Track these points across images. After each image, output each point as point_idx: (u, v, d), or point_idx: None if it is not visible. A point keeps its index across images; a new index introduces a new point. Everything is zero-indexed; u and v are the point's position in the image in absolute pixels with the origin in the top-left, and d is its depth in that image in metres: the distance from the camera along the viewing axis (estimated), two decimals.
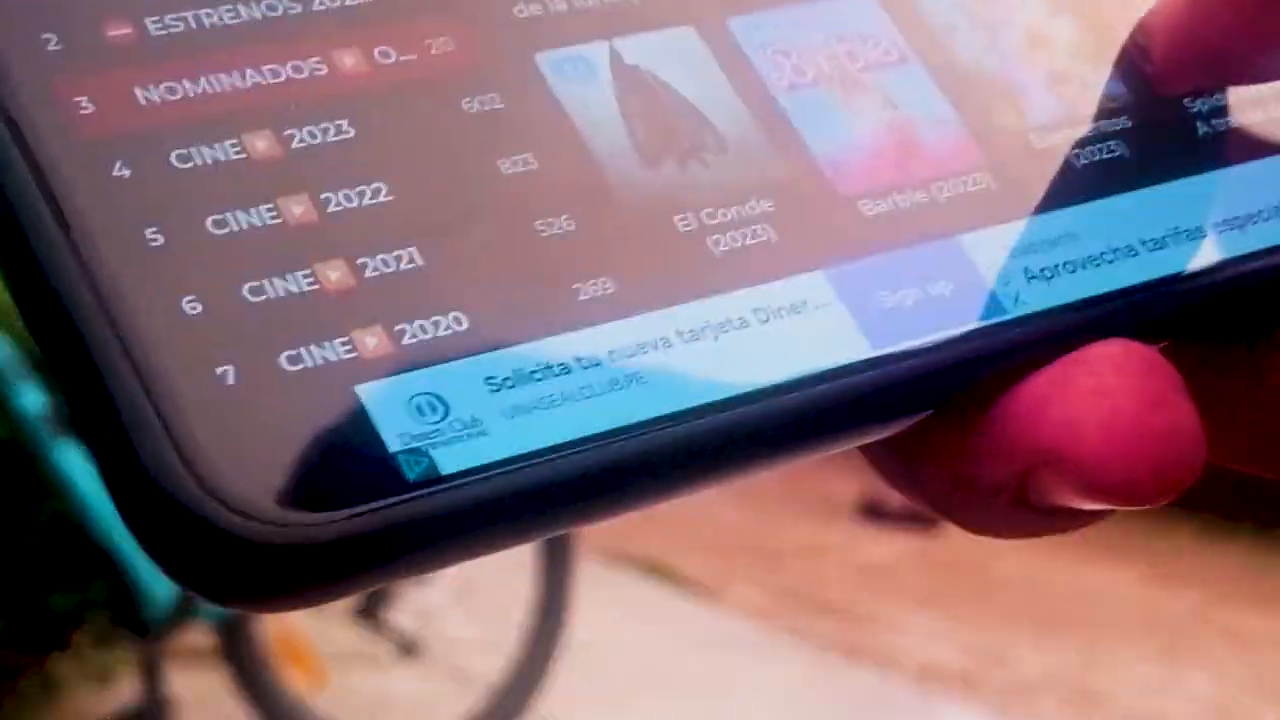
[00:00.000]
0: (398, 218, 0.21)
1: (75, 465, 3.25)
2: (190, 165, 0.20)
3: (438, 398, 0.20)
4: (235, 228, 0.20)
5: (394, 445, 0.19)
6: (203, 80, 0.21)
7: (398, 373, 0.20)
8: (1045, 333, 0.23)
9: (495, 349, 0.21)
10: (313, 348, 0.20)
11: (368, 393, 0.20)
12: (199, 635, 3.46)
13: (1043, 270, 0.24)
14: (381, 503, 0.19)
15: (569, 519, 0.21)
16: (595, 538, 4.39)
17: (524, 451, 0.20)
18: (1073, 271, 0.24)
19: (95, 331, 0.19)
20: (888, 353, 0.22)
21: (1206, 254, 0.25)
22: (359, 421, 0.20)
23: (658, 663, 4.48)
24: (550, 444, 0.20)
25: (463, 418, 0.20)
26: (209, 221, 0.20)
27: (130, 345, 0.19)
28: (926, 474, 0.23)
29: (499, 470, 0.20)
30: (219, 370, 0.19)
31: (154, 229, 0.20)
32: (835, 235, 0.23)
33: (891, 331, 0.22)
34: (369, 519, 0.19)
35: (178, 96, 0.21)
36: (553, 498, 0.20)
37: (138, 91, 0.21)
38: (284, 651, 3.59)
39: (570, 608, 3.74)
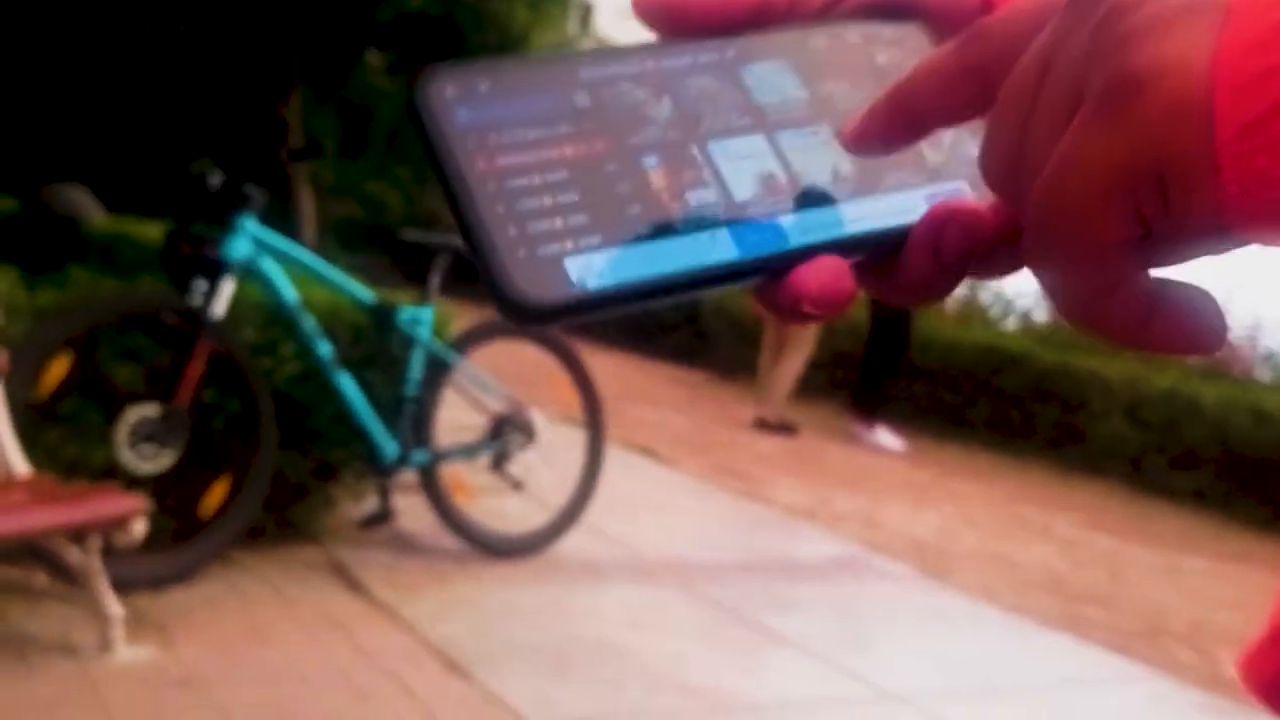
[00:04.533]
0: (585, 198, 0.35)
1: (348, 385, 3.90)
2: (531, 175, 0.35)
3: (589, 263, 0.34)
4: (548, 194, 0.34)
5: (576, 278, 0.34)
6: (540, 149, 0.35)
7: (579, 255, 0.34)
8: (804, 252, 0.37)
9: (610, 247, 0.34)
10: (557, 242, 0.34)
11: (572, 264, 0.34)
12: (409, 475, 4.17)
13: (804, 230, 0.37)
14: (573, 293, 0.34)
15: (637, 304, 0.35)
16: (614, 433, 5.01)
17: (619, 283, 0.34)
18: (814, 229, 0.38)
19: (486, 240, 0.33)
20: (751, 258, 0.36)
21: (864, 226, 0.38)
22: (567, 275, 0.34)
23: (647, 497, 5.37)
24: (625, 281, 0.34)
25: (595, 271, 0.34)
26: (525, 201, 0.34)
27: (497, 243, 0.33)
28: (763, 297, 0.37)
29: (608, 289, 0.34)
30: (523, 251, 0.33)
31: (501, 208, 0.34)
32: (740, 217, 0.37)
33: (753, 250, 0.36)
34: (571, 298, 0.33)
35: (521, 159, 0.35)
36: (628, 296, 0.34)
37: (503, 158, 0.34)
38: (454, 484, 4.25)
39: (601, 469, 4.46)
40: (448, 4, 10.57)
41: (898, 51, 0.43)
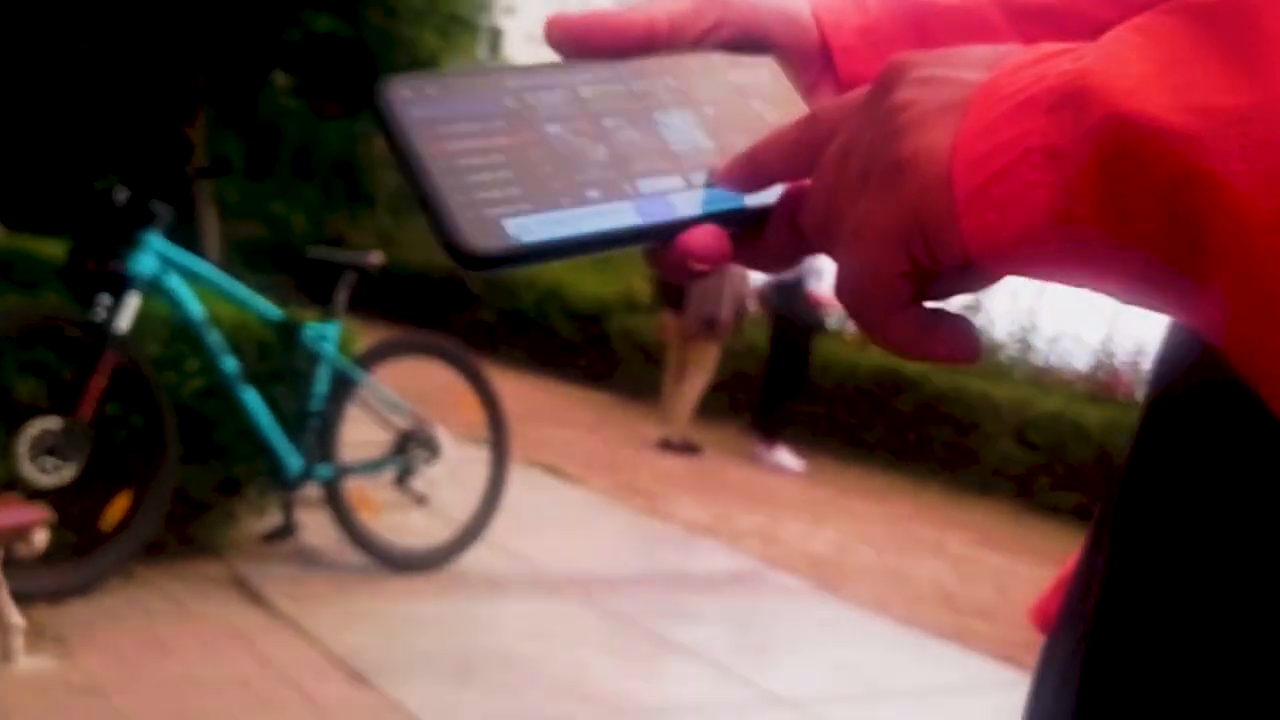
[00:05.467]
0: (517, 175, 0.43)
1: (252, 400, 3.92)
2: (473, 158, 0.42)
3: (523, 224, 0.41)
4: (488, 171, 0.42)
5: (513, 234, 0.41)
6: (479, 138, 0.43)
7: (515, 218, 0.41)
8: (690, 222, 0.45)
9: (540, 212, 0.42)
10: (496, 207, 0.41)
11: (509, 223, 0.41)
12: (313, 489, 4.20)
13: (690, 204, 0.46)
14: (511, 245, 0.41)
15: (562, 256, 0.43)
16: (521, 452, 5.08)
17: (548, 239, 0.42)
18: (697, 205, 0.46)
19: (441, 204, 0.41)
20: (649, 224, 0.44)
21: (735, 203, 0.47)
22: (506, 231, 0.41)
23: (550, 514, 5.43)
24: (552, 238, 0.42)
25: (528, 229, 0.41)
26: (469, 175, 0.42)
27: (450, 206, 0.41)
28: (656, 257, 0.45)
29: (539, 243, 0.41)
30: (470, 213, 0.41)
31: (452, 180, 0.41)
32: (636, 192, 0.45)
33: (651, 218, 0.44)
34: (510, 248, 0.41)
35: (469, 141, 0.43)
36: (554, 250, 0.42)
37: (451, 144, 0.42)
38: (358, 499, 4.27)
39: (504, 485, 4.50)
40: (356, 27, 10.55)
41: (750, 74, 0.53)
